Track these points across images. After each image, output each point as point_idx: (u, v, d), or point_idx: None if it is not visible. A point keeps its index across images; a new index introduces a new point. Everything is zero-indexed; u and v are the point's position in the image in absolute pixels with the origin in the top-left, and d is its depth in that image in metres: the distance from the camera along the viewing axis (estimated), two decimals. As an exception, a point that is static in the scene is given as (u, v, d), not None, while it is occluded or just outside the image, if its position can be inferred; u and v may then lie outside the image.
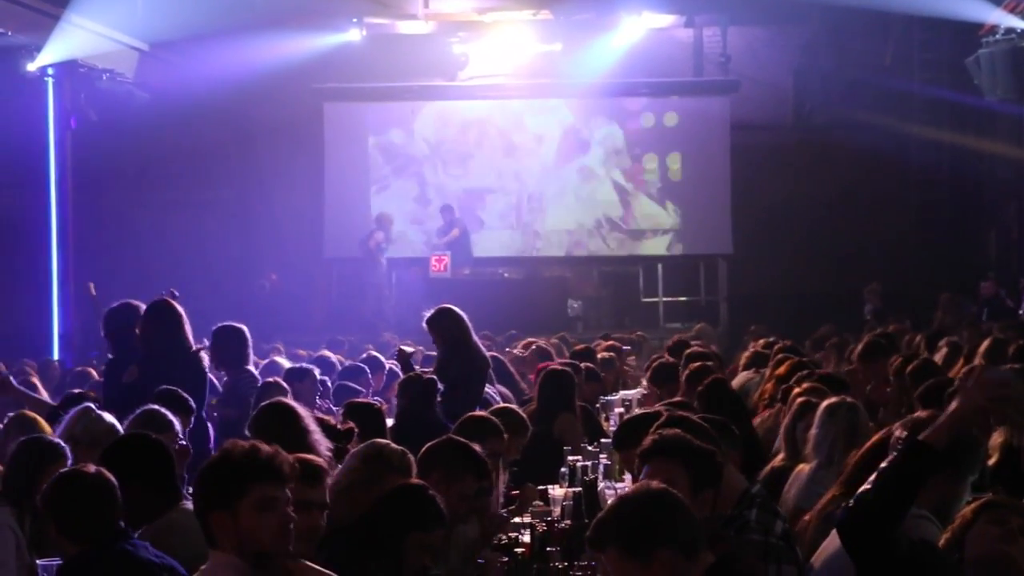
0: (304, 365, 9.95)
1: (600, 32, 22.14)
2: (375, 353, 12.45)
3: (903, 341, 13.25)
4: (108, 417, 6.77)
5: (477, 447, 5.72)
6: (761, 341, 13.57)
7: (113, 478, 4.96)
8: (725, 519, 4.92)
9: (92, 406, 6.96)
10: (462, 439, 5.80)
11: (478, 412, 6.99)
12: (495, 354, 11.90)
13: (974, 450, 4.94)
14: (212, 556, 4.15)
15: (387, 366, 11.45)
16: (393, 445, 5.54)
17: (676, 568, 3.85)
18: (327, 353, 13.17)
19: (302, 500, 4.36)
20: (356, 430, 6.54)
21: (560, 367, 9.62)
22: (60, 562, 4.85)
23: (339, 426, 6.43)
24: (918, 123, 21.60)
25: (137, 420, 6.98)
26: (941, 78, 21.16)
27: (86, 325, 18.29)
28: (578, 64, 22.17)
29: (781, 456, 7.06)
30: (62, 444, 6.30)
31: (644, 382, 11.37)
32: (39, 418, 7.37)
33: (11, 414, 7.74)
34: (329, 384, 10.05)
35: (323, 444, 6.05)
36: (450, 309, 9.65)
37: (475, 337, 9.72)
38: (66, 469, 5.20)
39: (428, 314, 9.77)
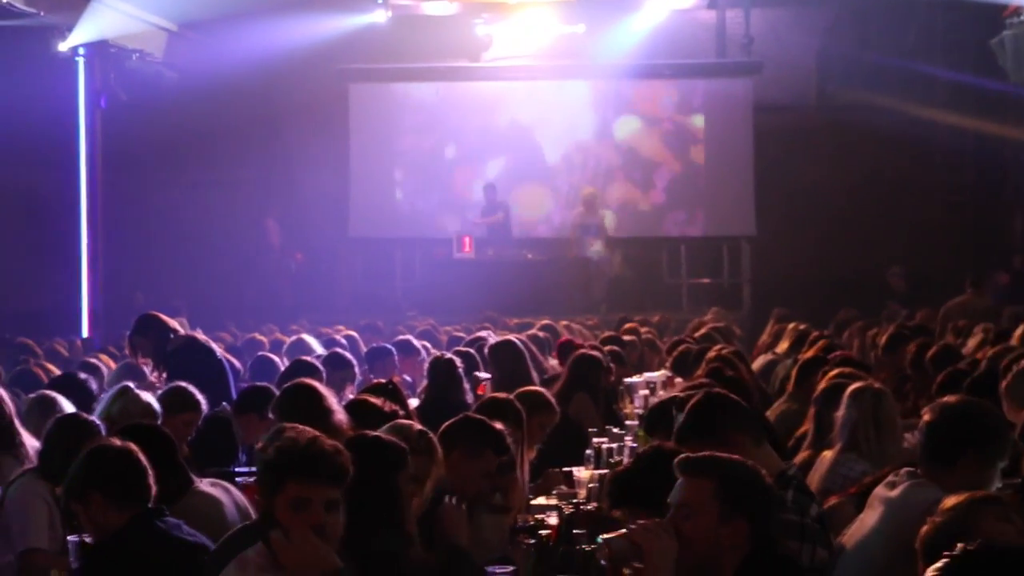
0: (346, 355, 9.92)
1: (624, 14, 22.12)
2: (410, 337, 12.38)
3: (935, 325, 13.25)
4: (145, 396, 6.85)
5: (497, 424, 5.74)
6: (792, 325, 13.60)
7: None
8: None
9: (130, 385, 7.05)
10: (478, 416, 5.84)
11: (499, 394, 7.01)
12: (519, 336, 11.96)
13: (1003, 435, 4.93)
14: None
15: (421, 350, 11.47)
16: (414, 425, 5.52)
17: (740, 539, 3.91)
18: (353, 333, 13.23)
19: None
20: (401, 412, 6.56)
21: (590, 351, 9.67)
22: (89, 539, 4.91)
23: (384, 408, 6.46)
24: (942, 106, 21.49)
25: (164, 397, 7.09)
26: (965, 61, 21.06)
27: (123, 302, 18.46)
28: (601, 46, 22.17)
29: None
30: (97, 422, 6.37)
31: (667, 366, 11.43)
32: (59, 397, 7.47)
33: (31, 395, 7.85)
34: (357, 371, 10.06)
35: (346, 424, 6.09)
36: (512, 343, 9.69)
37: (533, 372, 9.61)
38: (95, 444, 5.24)
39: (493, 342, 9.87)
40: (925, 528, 3.80)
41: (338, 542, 3.97)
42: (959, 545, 2.99)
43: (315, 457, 3.96)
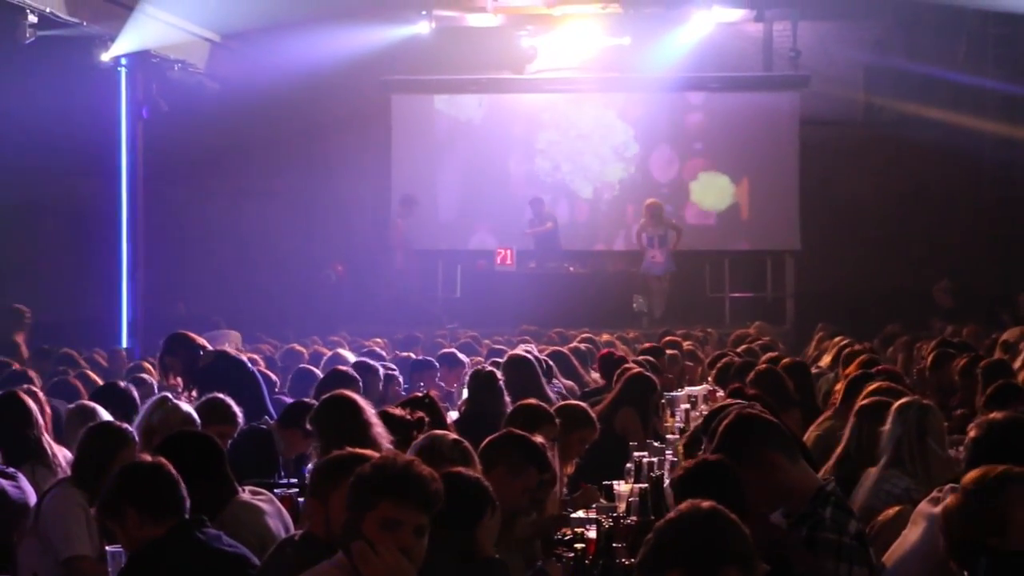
0: (368, 361, 9.91)
1: (669, 26, 22.03)
2: (454, 350, 12.32)
3: (983, 345, 13.07)
4: (184, 407, 6.82)
5: (538, 439, 5.69)
6: (838, 339, 13.46)
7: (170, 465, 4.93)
8: (798, 516, 4.85)
9: (168, 396, 7.01)
10: (522, 432, 5.78)
11: (531, 401, 6.96)
12: (558, 348, 11.88)
13: None
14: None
15: (466, 362, 11.41)
16: (447, 435, 5.50)
17: None
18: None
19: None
20: (427, 419, 6.50)
21: (643, 371, 9.56)
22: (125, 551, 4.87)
23: (409, 417, 6.40)
24: (992, 120, 21.33)
25: (200, 408, 7.05)
26: (1016, 74, 20.89)
27: (163, 312, 18.51)
28: (647, 58, 22.10)
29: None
30: (130, 429, 6.35)
31: (709, 379, 11.33)
32: (99, 407, 7.44)
33: (71, 405, 7.84)
34: (400, 380, 10.01)
35: (385, 437, 6.04)
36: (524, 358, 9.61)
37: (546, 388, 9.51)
38: (126, 463, 5.18)
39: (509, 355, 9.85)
40: (950, 500, 3.69)
41: (419, 566, 3.95)
42: None
43: (414, 481, 3.96)
